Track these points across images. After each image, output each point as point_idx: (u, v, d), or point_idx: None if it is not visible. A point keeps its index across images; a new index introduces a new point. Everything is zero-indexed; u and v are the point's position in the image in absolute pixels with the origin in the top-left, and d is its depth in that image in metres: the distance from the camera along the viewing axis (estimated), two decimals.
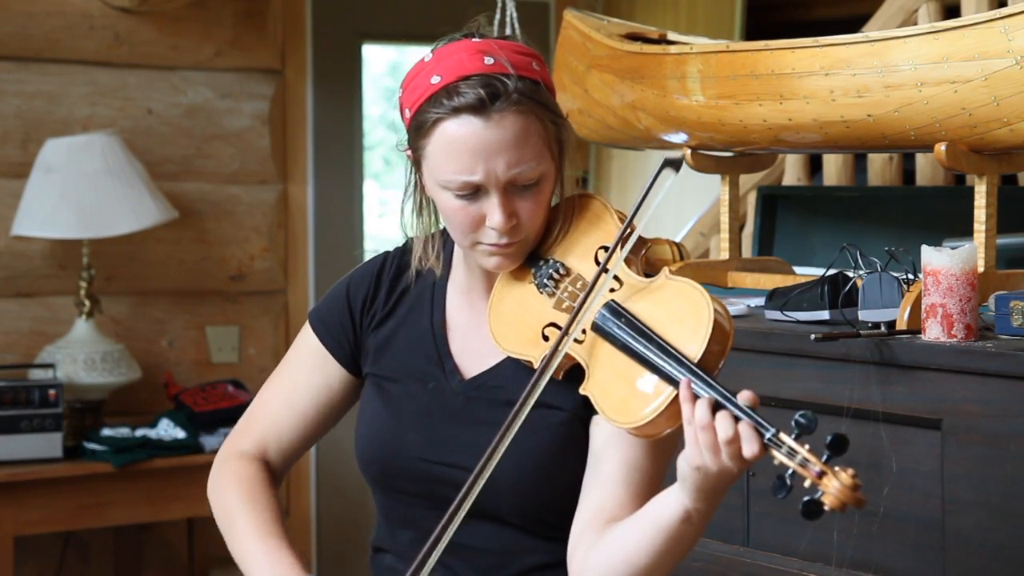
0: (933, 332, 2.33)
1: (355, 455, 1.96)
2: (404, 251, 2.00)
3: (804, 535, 2.49)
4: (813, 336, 2.37)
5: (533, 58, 1.83)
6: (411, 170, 1.89)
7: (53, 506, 3.85)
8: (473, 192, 1.79)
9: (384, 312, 1.97)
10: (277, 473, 2.03)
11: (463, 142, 1.76)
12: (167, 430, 3.99)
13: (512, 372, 1.85)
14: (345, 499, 4.75)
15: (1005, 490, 2.23)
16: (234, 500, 1.96)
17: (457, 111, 1.76)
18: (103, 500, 3.90)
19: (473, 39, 1.82)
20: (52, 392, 3.82)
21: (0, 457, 3.78)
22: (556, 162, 1.83)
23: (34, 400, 3.81)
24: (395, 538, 1.94)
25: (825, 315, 2.53)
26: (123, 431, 3.99)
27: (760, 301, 2.76)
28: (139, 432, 3.99)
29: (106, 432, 3.97)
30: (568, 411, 1.82)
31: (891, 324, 2.41)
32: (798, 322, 2.56)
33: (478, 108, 1.76)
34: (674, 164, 1.75)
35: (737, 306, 2.76)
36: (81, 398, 4.01)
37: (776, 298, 2.64)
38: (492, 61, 1.78)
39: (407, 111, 1.83)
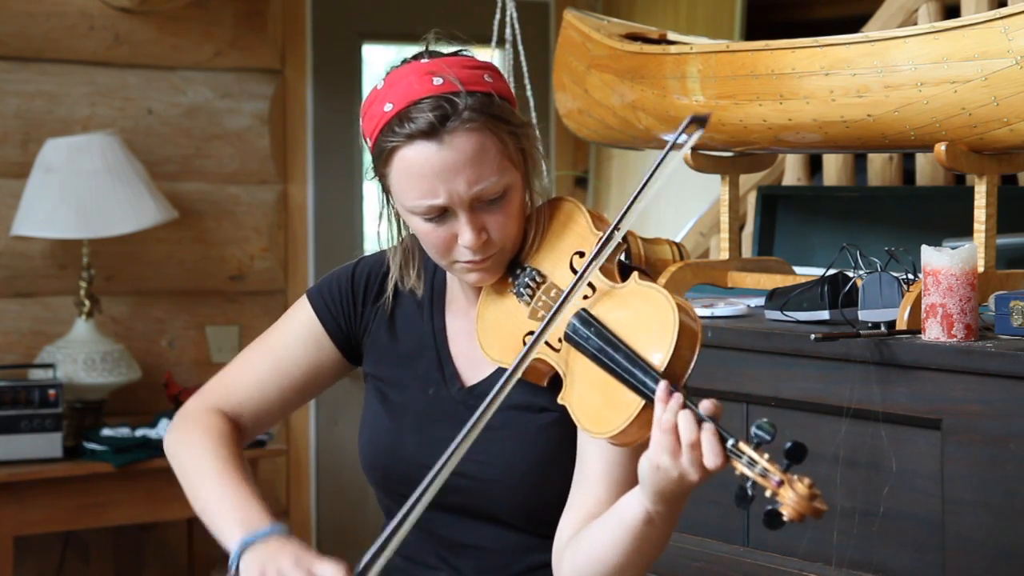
0: (933, 332, 2.33)
1: (359, 459, 1.96)
2: None
3: (804, 535, 2.49)
4: (813, 336, 2.37)
5: (485, 70, 1.82)
6: (382, 195, 1.89)
7: (53, 506, 3.85)
8: (440, 214, 1.79)
9: (386, 306, 1.97)
10: (245, 435, 2.00)
11: (420, 167, 1.77)
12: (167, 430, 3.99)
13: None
14: (345, 499, 4.75)
15: (1005, 490, 2.23)
16: (200, 448, 1.92)
17: (411, 138, 1.77)
18: (103, 500, 3.90)
19: (422, 60, 1.82)
20: (52, 392, 3.82)
21: (0, 457, 3.78)
22: (521, 171, 1.83)
23: (34, 400, 3.81)
24: (401, 540, 1.94)
25: (825, 315, 2.53)
26: (123, 431, 3.99)
27: (760, 301, 2.76)
28: (139, 432, 3.99)
29: (106, 432, 3.97)
30: (558, 411, 1.82)
31: (891, 324, 2.41)
32: (798, 322, 2.56)
33: (429, 132, 1.76)
34: (700, 121, 1.75)
35: (737, 306, 2.76)
36: (81, 398, 4.01)
37: (776, 298, 2.64)
38: (441, 81, 1.78)
39: (368, 140, 1.84)
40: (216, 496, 1.87)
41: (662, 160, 1.75)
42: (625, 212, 1.76)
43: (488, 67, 1.83)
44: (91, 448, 3.90)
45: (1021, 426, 2.20)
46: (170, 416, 4.03)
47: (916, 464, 2.35)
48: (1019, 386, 2.20)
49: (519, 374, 1.76)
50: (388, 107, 1.79)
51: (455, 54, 1.84)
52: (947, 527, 2.31)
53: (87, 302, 4.06)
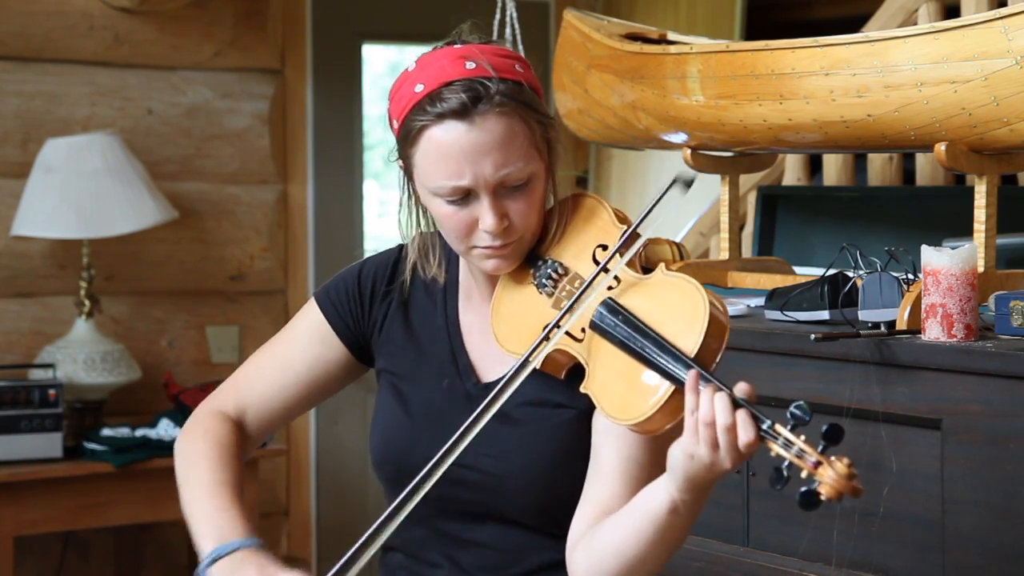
0: (933, 332, 2.33)
1: (370, 453, 1.96)
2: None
3: (804, 535, 2.49)
4: (813, 336, 2.37)
5: (516, 60, 1.84)
6: (404, 180, 1.90)
7: (53, 506, 3.85)
8: (464, 197, 1.80)
9: (399, 303, 1.97)
10: (251, 438, 2.01)
11: (449, 147, 1.78)
12: (167, 430, 3.99)
13: (529, 373, 1.85)
14: (345, 499, 4.75)
15: (1005, 490, 2.23)
16: (198, 454, 1.95)
17: (441, 117, 1.78)
18: (103, 500, 3.90)
19: (455, 46, 1.84)
20: (52, 392, 3.82)
21: (0, 457, 3.78)
22: (545, 162, 1.84)
23: (34, 400, 3.81)
24: (405, 536, 1.94)
25: (825, 315, 2.53)
26: (123, 431, 3.99)
27: (760, 301, 2.76)
28: (139, 432, 3.99)
29: (106, 432, 3.97)
30: (576, 409, 1.82)
31: (891, 324, 2.41)
32: (798, 322, 2.57)
33: (461, 112, 1.77)
34: (686, 182, 1.76)
35: (737, 306, 2.76)
36: (81, 398, 4.01)
37: (776, 298, 2.65)
38: (474, 65, 1.79)
39: (394, 122, 1.85)
40: (199, 506, 1.91)
41: (647, 213, 1.77)
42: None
43: (519, 58, 1.85)
44: (91, 448, 3.90)
45: (1021, 426, 2.21)
46: (170, 416, 4.05)
47: (916, 464, 2.36)
48: (1019, 386, 2.20)
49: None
50: (419, 88, 1.79)
51: (486, 43, 1.85)
52: (947, 527, 2.31)
53: (87, 302, 4.06)
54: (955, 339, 2.31)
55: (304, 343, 1.99)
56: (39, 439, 3.82)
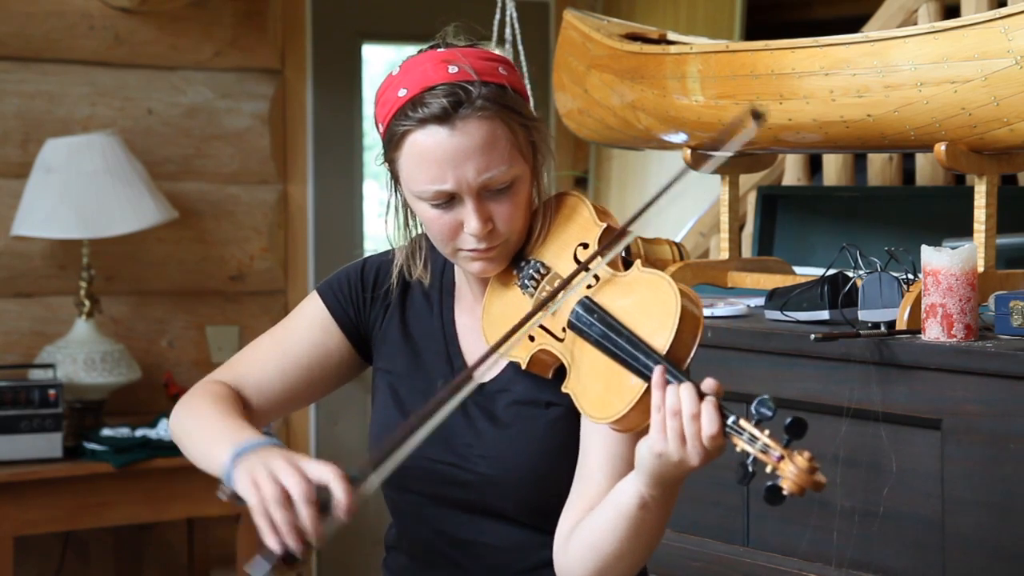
0: (933, 332, 2.33)
1: (369, 452, 1.97)
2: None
3: (804, 535, 2.49)
4: (813, 336, 2.37)
5: (500, 63, 1.84)
6: (391, 182, 1.90)
7: (53, 506, 3.85)
8: (448, 200, 1.81)
9: (396, 303, 1.98)
10: (255, 413, 1.95)
11: (431, 152, 1.79)
12: (167, 430, 3.99)
13: (518, 374, 1.86)
14: None
15: (1005, 490, 2.23)
16: (198, 407, 1.88)
17: (423, 122, 1.79)
18: (103, 500, 3.90)
19: (439, 49, 1.85)
20: (52, 392, 3.82)
21: (0, 457, 3.78)
22: (530, 164, 1.84)
23: (34, 400, 3.81)
24: (407, 537, 1.95)
25: (825, 315, 2.53)
26: (123, 431, 3.99)
27: (760, 301, 2.76)
28: (139, 432, 3.99)
29: (106, 432, 3.97)
30: (565, 406, 1.83)
31: (891, 324, 2.41)
32: (798, 322, 2.57)
33: (442, 117, 1.78)
34: (757, 116, 1.75)
35: (737, 306, 2.76)
36: (81, 398, 4.01)
37: (776, 298, 2.65)
38: (456, 69, 1.80)
39: (380, 125, 1.86)
40: (209, 432, 1.82)
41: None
42: (645, 208, 1.78)
43: (503, 61, 1.85)
44: (91, 448, 3.90)
45: (1021, 426, 2.21)
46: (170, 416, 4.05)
47: (916, 464, 2.36)
48: (1019, 386, 2.20)
49: (511, 343, 1.77)
50: (402, 92, 1.81)
51: (471, 46, 1.86)
52: (947, 527, 2.31)
53: (87, 302, 4.06)
54: (955, 339, 2.31)
55: (305, 330, 1.98)
56: (39, 439, 3.82)
